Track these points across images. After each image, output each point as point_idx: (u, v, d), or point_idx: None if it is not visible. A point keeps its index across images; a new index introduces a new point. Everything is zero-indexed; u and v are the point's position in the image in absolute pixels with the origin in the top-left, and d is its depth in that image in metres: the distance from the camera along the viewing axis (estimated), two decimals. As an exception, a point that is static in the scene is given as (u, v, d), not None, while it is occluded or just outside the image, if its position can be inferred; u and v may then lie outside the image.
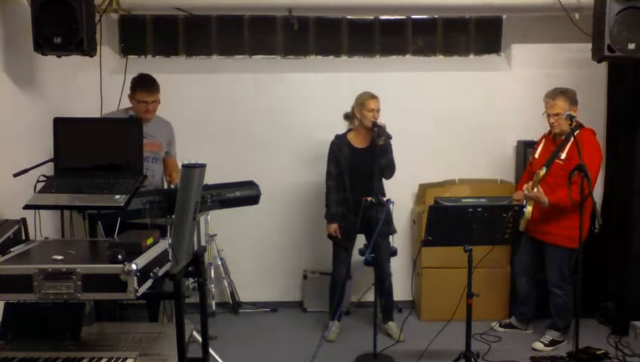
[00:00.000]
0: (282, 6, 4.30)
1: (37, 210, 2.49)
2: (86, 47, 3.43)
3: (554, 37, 4.63)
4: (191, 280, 4.07)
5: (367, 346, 3.87)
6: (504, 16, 4.87)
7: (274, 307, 4.86)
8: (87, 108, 4.06)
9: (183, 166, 2.55)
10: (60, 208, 2.84)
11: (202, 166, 2.58)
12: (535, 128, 4.28)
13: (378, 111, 3.99)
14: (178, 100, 4.53)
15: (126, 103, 3.84)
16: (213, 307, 4.67)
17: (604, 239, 4.17)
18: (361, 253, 4.07)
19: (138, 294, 1.98)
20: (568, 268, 3.93)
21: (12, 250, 2.22)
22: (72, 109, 4.12)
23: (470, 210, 3.31)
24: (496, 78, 4.82)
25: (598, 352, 3.83)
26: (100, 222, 2.81)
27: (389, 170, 4.08)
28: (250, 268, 4.87)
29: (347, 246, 4.18)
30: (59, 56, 3.58)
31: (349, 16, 4.88)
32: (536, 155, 4.10)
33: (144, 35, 4.87)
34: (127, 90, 3.79)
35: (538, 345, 4.05)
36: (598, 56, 3.71)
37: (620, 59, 3.74)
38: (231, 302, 4.78)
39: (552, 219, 3.89)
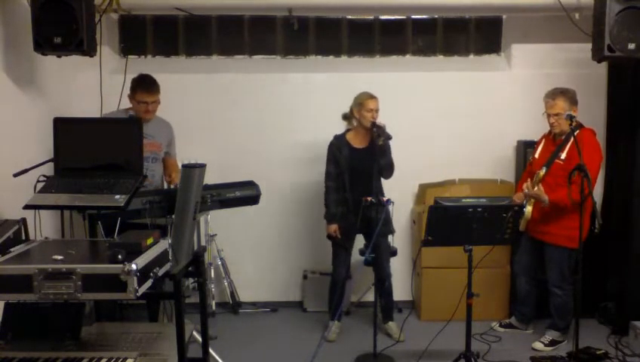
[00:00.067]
0: (282, 6, 4.30)
1: (37, 210, 2.49)
2: (86, 47, 3.43)
3: (554, 37, 4.63)
4: (191, 280, 4.07)
5: (367, 346, 3.87)
6: (504, 16, 4.87)
7: (274, 307, 4.86)
8: (87, 108, 4.06)
9: (183, 166, 2.55)
10: (60, 208, 2.84)
11: (202, 166, 2.58)
12: (535, 128, 4.29)
13: (377, 111, 3.99)
14: (178, 100, 4.53)
15: (126, 103, 3.84)
16: (213, 307, 4.67)
17: (604, 239, 4.17)
18: (361, 253, 4.07)
19: (138, 294, 1.97)
20: (568, 268, 3.93)
21: (12, 250, 2.22)
22: (72, 109, 4.12)
23: (470, 210, 3.31)
24: (496, 78, 4.82)
25: (598, 352, 3.83)
26: (100, 222, 2.81)
27: (388, 170, 4.08)
28: (250, 268, 4.87)
29: (347, 247, 4.18)
30: (59, 56, 3.58)
31: (349, 16, 4.88)
32: (536, 155, 4.10)
33: (144, 35, 4.87)
34: (127, 90, 3.79)
35: (538, 345, 4.05)
36: (598, 56, 3.71)
37: (620, 59, 3.74)
38: (231, 302, 4.78)
39: (552, 219, 3.89)
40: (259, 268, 4.89)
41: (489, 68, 4.88)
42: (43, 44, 3.40)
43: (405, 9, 4.65)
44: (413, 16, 4.89)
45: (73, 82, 4.28)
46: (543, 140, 4.11)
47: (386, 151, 4.03)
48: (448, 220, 3.35)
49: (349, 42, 4.94)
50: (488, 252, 3.49)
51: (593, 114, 4.46)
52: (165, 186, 3.97)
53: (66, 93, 4.17)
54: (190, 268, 2.77)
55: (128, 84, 3.78)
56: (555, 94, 3.89)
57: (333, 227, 4.09)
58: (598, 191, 4.34)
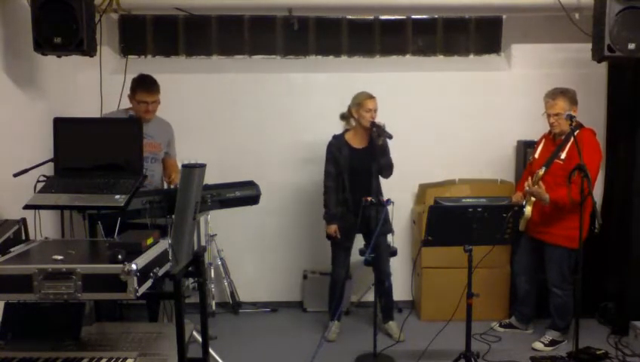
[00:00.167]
0: (282, 6, 4.30)
1: (37, 210, 2.49)
2: (86, 47, 3.43)
3: (554, 37, 4.63)
4: (191, 280, 4.08)
5: (367, 346, 3.87)
6: (504, 16, 4.87)
7: (274, 307, 4.86)
8: (87, 108, 4.06)
9: (183, 166, 2.55)
10: (60, 208, 2.84)
11: (202, 166, 2.58)
12: (535, 128, 4.29)
13: (376, 111, 3.99)
14: (178, 100, 4.53)
15: (126, 103, 3.84)
16: (213, 307, 4.68)
17: (604, 239, 4.17)
18: (361, 253, 4.07)
19: (138, 294, 1.97)
20: (568, 268, 3.93)
21: (12, 250, 2.22)
22: (72, 109, 4.12)
23: (470, 210, 3.31)
24: (496, 78, 4.82)
25: (598, 352, 3.83)
26: (100, 222, 2.81)
27: (387, 169, 4.08)
28: (250, 268, 4.87)
29: (347, 247, 4.18)
30: (59, 56, 3.58)
31: (349, 16, 4.88)
32: (536, 155, 4.10)
33: (144, 35, 4.87)
34: (127, 90, 3.79)
35: (538, 345, 4.05)
36: (598, 56, 3.71)
37: (620, 59, 3.73)
38: (231, 302, 4.78)
39: (552, 219, 3.89)
40: (259, 268, 4.89)
41: (489, 68, 4.88)
42: (43, 44, 3.40)
43: (405, 9, 4.65)
44: (413, 16, 4.89)
45: (73, 82, 4.28)
46: (543, 140, 4.11)
47: (385, 150, 4.03)
48: (448, 220, 3.35)
49: (349, 42, 4.94)
50: (488, 252, 3.49)
51: (593, 114, 4.46)
52: (165, 186, 3.97)
53: (66, 93, 4.17)
54: (190, 268, 2.77)
55: (128, 84, 3.78)
56: (555, 94, 3.89)
57: (333, 227, 4.08)
58: (598, 191, 4.34)
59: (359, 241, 4.20)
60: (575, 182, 3.50)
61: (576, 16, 4.04)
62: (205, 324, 2.89)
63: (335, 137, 4.14)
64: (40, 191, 2.51)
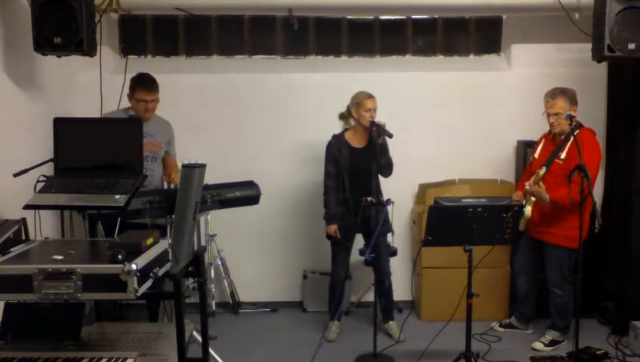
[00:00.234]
0: (282, 6, 4.30)
1: (37, 210, 2.49)
2: (86, 47, 3.43)
3: (554, 37, 4.63)
4: (191, 280, 4.08)
5: (367, 346, 3.87)
6: (504, 16, 4.87)
7: (274, 307, 4.86)
8: (87, 108, 4.06)
9: (183, 166, 2.55)
10: (60, 208, 2.84)
11: (202, 166, 2.58)
12: (535, 128, 4.28)
13: (375, 110, 3.99)
14: (178, 100, 4.54)
15: (126, 103, 3.84)
16: (213, 307, 4.67)
17: (604, 239, 4.17)
18: (361, 253, 4.07)
19: (138, 294, 1.97)
20: (568, 268, 3.93)
21: (12, 250, 2.22)
22: (72, 109, 4.12)
23: (470, 210, 3.31)
24: (496, 78, 4.82)
25: (598, 352, 3.83)
26: (100, 222, 2.81)
27: (387, 168, 4.08)
28: (250, 268, 4.87)
29: (347, 247, 4.18)
30: (59, 56, 3.57)
31: (349, 16, 4.88)
32: (536, 155, 4.10)
33: (144, 35, 4.87)
34: (127, 90, 3.79)
35: (538, 345, 4.05)
36: (598, 56, 3.71)
37: (620, 59, 3.73)
38: (231, 302, 4.78)
39: (552, 219, 3.89)
40: (259, 268, 4.89)
41: (489, 68, 4.88)
42: (43, 44, 3.40)
43: (405, 9, 4.65)
44: (413, 16, 4.89)
45: (73, 82, 4.28)
46: (543, 140, 4.11)
47: (385, 149, 4.03)
48: (448, 220, 3.35)
49: (349, 42, 4.94)
50: (488, 252, 3.49)
51: (593, 114, 4.46)
52: (165, 186, 3.97)
53: (66, 93, 4.17)
54: (190, 268, 2.77)
55: (128, 84, 3.78)
56: (555, 94, 3.89)
57: (333, 227, 4.08)
58: (598, 191, 4.34)
59: (359, 241, 4.20)
60: (575, 182, 3.50)
61: (576, 16, 4.04)
62: (205, 324, 2.89)
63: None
64: (40, 191, 2.51)
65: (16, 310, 2.22)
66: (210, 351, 3.21)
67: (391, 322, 4.30)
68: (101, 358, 2.16)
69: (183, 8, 4.31)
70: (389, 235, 4.14)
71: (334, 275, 4.23)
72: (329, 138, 4.14)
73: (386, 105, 4.07)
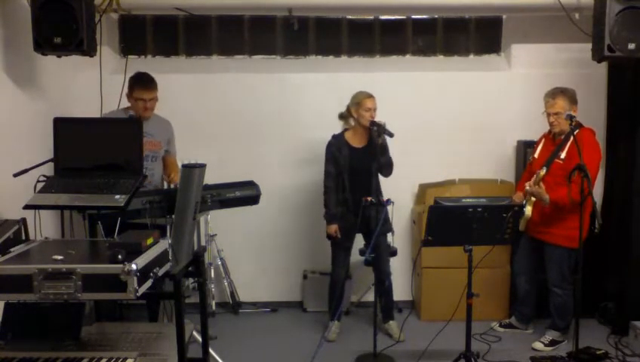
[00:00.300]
0: (282, 6, 4.30)
1: (37, 210, 2.49)
2: (86, 47, 3.43)
3: (554, 37, 4.63)
4: (191, 280, 4.08)
5: (367, 346, 3.87)
6: (504, 16, 4.87)
7: (274, 307, 4.86)
8: (87, 108, 4.06)
9: (183, 166, 2.55)
10: (60, 208, 2.84)
11: (202, 166, 2.58)
12: (535, 128, 4.28)
13: (375, 110, 3.99)
14: (178, 100, 4.54)
15: (126, 103, 3.84)
16: (213, 307, 4.67)
17: (604, 239, 4.17)
18: (361, 252, 4.07)
19: (138, 294, 1.97)
20: (568, 268, 3.93)
21: (12, 250, 2.22)
22: (72, 109, 4.12)
23: (470, 210, 3.31)
24: (496, 78, 4.82)
25: (598, 352, 3.83)
26: (100, 222, 2.81)
27: (387, 168, 4.08)
28: (250, 268, 4.87)
29: (347, 247, 4.18)
30: (59, 56, 3.58)
31: (349, 16, 4.88)
32: (536, 155, 4.10)
33: (144, 35, 4.87)
34: (127, 90, 3.78)
35: (538, 345, 4.05)
36: (598, 56, 3.71)
37: (620, 59, 3.74)
38: (231, 302, 4.78)
39: (552, 219, 3.89)
40: (259, 268, 4.89)
41: (489, 68, 4.88)
42: (43, 44, 3.40)
43: (405, 9, 4.65)
44: (413, 16, 4.90)
45: (73, 82, 4.28)
46: (543, 140, 4.11)
47: (385, 149, 4.03)
48: (448, 220, 3.35)
49: (349, 42, 4.94)
50: (488, 252, 3.49)
51: (593, 114, 4.46)
52: (165, 185, 3.97)
53: (66, 93, 4.17)
54: (190, 268, 2.77)
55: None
56: (555, 93, 3.89)
57: (334, 227, 4.08)
58: (598, 191, 4.34)
59: (359, 241, 4.20)
60: (575, 182, 3.50)
61: (576, 16, 4.04)
62: (205, 324, 2.89)
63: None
64: (40, 191, 2.51)
65: (16, 310, 2.22)
66: (210, 351, 3.21)
67: (391, 322, 4.30)
68: (101, 358, 2.16)
69: (183, 8, 4.31)
70: (389, 235, 4.14)
71: (334, 275, 4.23)
72: (329, 138, 4.14)
73: (386, 105, 4.07)
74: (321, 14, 4.80)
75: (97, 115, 3.90)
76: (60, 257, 2.05)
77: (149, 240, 2.18)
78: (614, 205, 4.48)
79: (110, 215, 2.63)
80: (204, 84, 4.75)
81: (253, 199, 3.07)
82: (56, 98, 4.00)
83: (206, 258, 4.34)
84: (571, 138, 3.75)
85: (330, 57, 4.95)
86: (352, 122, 4.09)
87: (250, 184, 3.08)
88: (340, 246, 4.17)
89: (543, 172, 3.85)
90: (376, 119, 3.96)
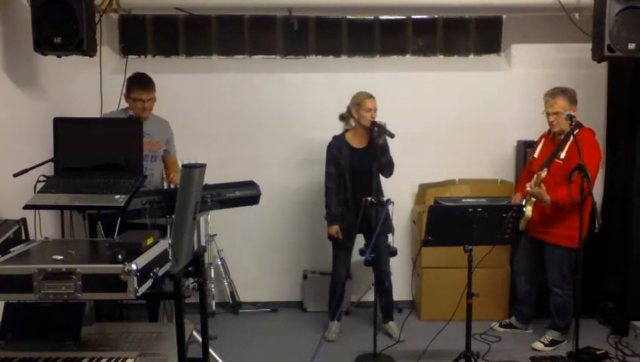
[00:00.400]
0: (282, 6, 4.30)
1: (37, 210, 2.49)
2: (86, 47, 3.43)
3: (554, 37, 4.63)
4: (191, 280, 4.08)
5: (367, 346, 3.87)
6: (504, 16, 4.87)
7: (274, 307, 4.86)
8: (87, 108, 4.06)
9: (183, 166, 2.55)
10: (60, 208, 2.84)
11: (202, 166, 2.58)
12: (535, 128, 4.28)
13: (375, 110, 3.99)
14: (178, 100, 4.54)
15: (126, 103, 3.84)
16: (213, 307, 4.67)
17: (604, 239, 4.17)
18: (362, 252, 4.07)
19: (138, 294, 1.97)
20: (568, 267, 3.93)
21: (12, 250, 2.22)
22: (72, 109, 4.12)
23: (470, 210, 3.31)
24: (496, 78, 4.82)
25: (598, 352, 3.83)
26: (100, 222, 2.81)
27: (388, 168, 4.08)
28: (250, 268, 4.87)
29: (348, 247, 4.18)
30: (59, 56, 3.58)
31: (349, 16, 4.88)
32: (536, 155, 4.10)
33: (144, 35, 4.87)
34: (125, 91, 3.78)
35: (538, 345, 4.05)
36: (598, 56, 3.71)
37: (620, 59, 3.74)
38: (231, 302, 4.78)
39: (552, 219, 3.89)
40: (259, 268, 4.89)
41: (489, 68, 4.88)
42: (43, 44, 3.40)
43: (405, 9, 4.65)
44: (413, 16, 4.90)
45: (73, 82, 4.28)
46: (543, 140, 4.11)
47: (385, 149, 4.03)
48: (448, 220, 3.35)
49: (349, 42, 4.94)
50: (488, 252, 3.49)
51: (593, 114, 4.46)
52: (165, 185, 3.97)
53: (65, 93, 4.17)
54: (190, 268, 2.77)
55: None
56: (554, 93, 3.89)
57: (335, 228, 4.08)
58: (598, 191, 4.34)
59: (360, 241, 4.20)
60: (575, 182, 3.50)
61: (576, 16, 4.04)
62: (205, 324, 2.89)
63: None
64: (40, 191, 2.51)
65: (16, 310, 2.22)
66: (210, 351, 3.21)
67: (391, 322, 4.30)
68: (101, 358, 2.16)
69: (183, 8, 4.31)
70: (390, 235, 4.14)
71: (335, 275, 4.23)
72: (329, 138, 4.14)
73: (386, 105, 4.06)
74: (321, 14, 4.80)
75: (97, 115, 3.90)
76: (59, 257, 2.05)
77: (149, 240, 2.18)
78: (614, 205, 4.48)
79: (110, 215, 2.63)
80: (204, 84, 4.75)
81: (253, 199, 3.07)
82: (56, 98, 4.00)
83: (206, 258, 4.34)
84: (571, 138, 3.75)
85: (330, 57, 4.95)
86: (352, 123, 4.09)
87: (250, 184, 3.08)
88: (341, 247, 4.17)
89: (543, 173, 3.84)
90: (377, 119, 3.96)
